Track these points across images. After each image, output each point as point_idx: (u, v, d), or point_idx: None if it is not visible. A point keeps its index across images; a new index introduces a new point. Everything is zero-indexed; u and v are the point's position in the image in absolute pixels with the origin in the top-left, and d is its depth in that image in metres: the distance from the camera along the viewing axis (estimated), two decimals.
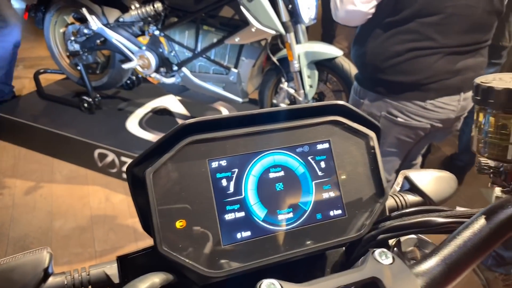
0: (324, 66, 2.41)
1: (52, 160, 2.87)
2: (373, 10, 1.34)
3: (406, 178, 0.56)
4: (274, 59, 2.47)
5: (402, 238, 0.46)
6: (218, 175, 0.41)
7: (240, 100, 2.59)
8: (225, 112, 3.12)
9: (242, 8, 2.24)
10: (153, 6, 2.52)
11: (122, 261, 0.43)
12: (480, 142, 0.40)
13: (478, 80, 0.40)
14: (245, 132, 0.42)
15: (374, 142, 0.47)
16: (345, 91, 2.45)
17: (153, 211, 0.38)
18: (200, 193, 0.40)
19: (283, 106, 0.43)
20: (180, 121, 2.96)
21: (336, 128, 0.46)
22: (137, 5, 2.60)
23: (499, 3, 1.31)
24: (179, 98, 3.20)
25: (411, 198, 0.54)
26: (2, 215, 2.41)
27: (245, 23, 2.30)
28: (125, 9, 2.72)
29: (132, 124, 2.94)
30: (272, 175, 0.43)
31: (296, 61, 2.33)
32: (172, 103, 3.22)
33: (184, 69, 2.61)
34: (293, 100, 2.53)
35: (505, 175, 0.39)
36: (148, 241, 0.40)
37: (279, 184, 0.43)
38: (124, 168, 2.62)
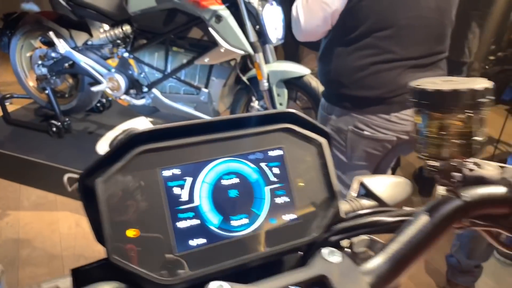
0: (293, 84, 2.46)
1: (19, 186, 2.79)
2: (325, 26, 1.40)
3: (362, 184, 0.58)
4: (244, 78, 2.50)
5: (355, 240, 0.47)
6: (170, 184, 0.41)
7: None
8: None
9: (210, 29, 2.27)
10: (122, 29, 2.53)
11: (76, 273, 0.42)
12: (418, 143, 0.43)
13: (412, 84, 0.42)
14: (197, 140, 0.43)
15: (325, 148, 0.48)
16: (313, 108, 2.49)
17: (104, 220, 0.38)
18: (152, 202, 0.40)
19: (238, 114, 0.44)
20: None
21: (289, 135, 0.47)
22: (106, 28, 2.60)
23: (449, 14, 1.40)
24: (150, 119, 3.18)
25: (366, 202, 0.55)
26: None
27: (214, 44, 2.33)
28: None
29: (103, 147, 2.89)
30: (225, 182, 0.43)
31: (265, 80, 2.37)
32: (143, 124, 3.17)
33: (154, 90, 2.61)
34: None
35: (445, 173, 0.41)
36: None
37: (233, 191, 0.44)
38: None
